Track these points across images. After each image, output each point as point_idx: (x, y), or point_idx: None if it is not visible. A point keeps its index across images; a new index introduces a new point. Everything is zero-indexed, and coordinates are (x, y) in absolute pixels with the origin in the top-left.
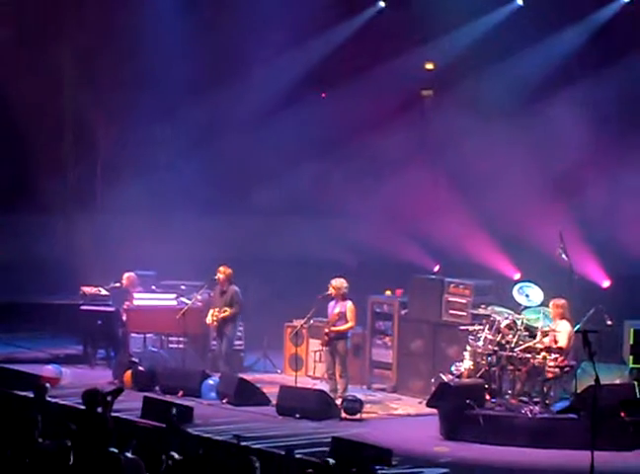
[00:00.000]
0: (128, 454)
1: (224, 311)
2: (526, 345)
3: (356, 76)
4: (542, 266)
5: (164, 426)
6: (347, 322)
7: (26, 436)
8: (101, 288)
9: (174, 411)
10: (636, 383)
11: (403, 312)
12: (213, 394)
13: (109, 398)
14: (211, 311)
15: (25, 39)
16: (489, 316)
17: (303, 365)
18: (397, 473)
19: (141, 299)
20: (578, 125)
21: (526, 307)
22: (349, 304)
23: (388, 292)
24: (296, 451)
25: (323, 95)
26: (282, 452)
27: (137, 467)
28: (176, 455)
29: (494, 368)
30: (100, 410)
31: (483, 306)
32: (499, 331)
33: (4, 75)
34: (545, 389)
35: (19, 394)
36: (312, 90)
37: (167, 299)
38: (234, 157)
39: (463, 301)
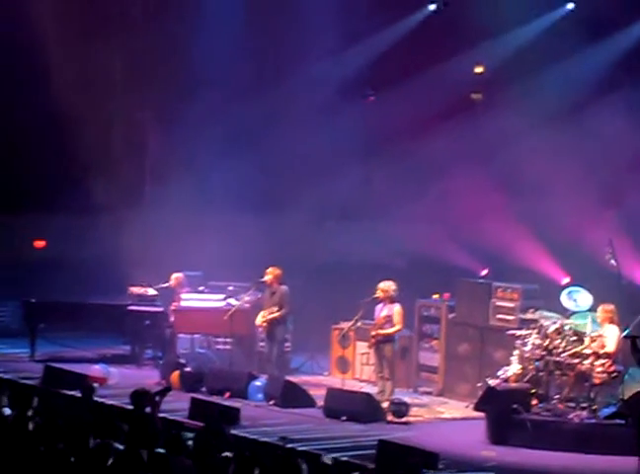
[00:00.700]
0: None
1: (274, 312)
2: (574, 350)
3: (405, 79)
4: (591, 271)
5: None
6: (394, 325)
7: (78, 436)
8: (149, 289)
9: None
10: None
11: (450, 316)
12: (260, 396)
13: (157, 398)
14: (261, 313)
15: (73, 42)
16: (537, 321)
17: (350, 368)
18: None
19: (189, 300)
20: (629, 130)
21: (575, 312)
22: (396, 307)
23: (436, 296)
24: (343, 454)
25: (371, 98)
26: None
27: (186, 468)
28: (229, 455)
29: (541, 373)
30: (148, 410)
31: (531, 311)
32: (547, 336)
33: (54, 77)
34: (592, 395)
35: (67, 393)
36: (361, 92)
37: (215, 300)
38: (282, 159)
39: (511, 305)
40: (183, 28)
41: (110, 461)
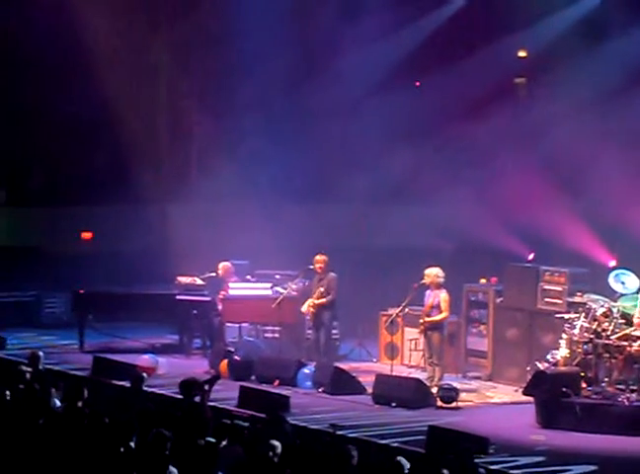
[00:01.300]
0: (227, 444)
1: (321, 298)
2: (623, 332)
3: (449, 65)
4: (638, 253)
5: (262, 415)
6: (441, 312)
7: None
8: (196, 278)
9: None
10: None
11: (498, 300)
12: (309, 383)
13: (206, 387)
14: (309, 300)
15: (119, 30)
16: (585, 304)
17: (399, 354)
18: (494, 461)
19: (236, 289)
20: None
21: (623, 295)
22: (442, 294)
23: (483, 280)
24: (393, 440)
25: (417, 83)
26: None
27: (236, 456)
28: (277, 444)
29: (590, 356)
30: (198, 399)
31: (579, 294)
32: (595, 319)
33: (100, 67)
34: None
35: (116, 384)
36: (405, 78)
37: (262, 289)
38: (328, 145)
39: (559, 289)
40: (227, 16)
41: (166, 450)
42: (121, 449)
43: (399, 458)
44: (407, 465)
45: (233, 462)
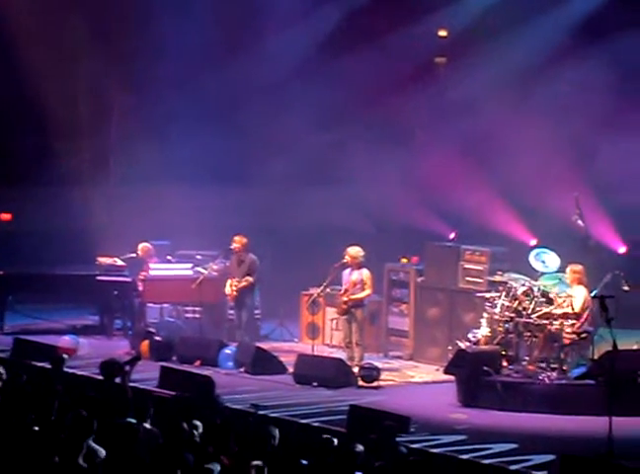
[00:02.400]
0: (146, 425)
1: (244, 281)
2: (543, 311)
3: (369, 43)
4: (558, 232)
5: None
6: (364, 290)
7: (46, 408)
8: (117, 259)
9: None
10: None
11: (419, 280)
12: (231, 363)
13: (127, 367)
14: (229, 281)
15: (39, 7)
16: (505, 283)
17: (320, 334)
18: (415, 440)
19: (157, 269)
20: (593, 89)
21: (543, 273)
22: (365, 272)
23: (404, 260)
24: (314, 419)
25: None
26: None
27: (154, 437)
28: (199, 424)
29: (511, 335)
30: (118, 380)
31: (499, 273)
32: (515, 298)
33: (19, 44)
34: (562, 355)
35: (37, 365)
36: (328, 57)
37: (183, 269)
38: (249, 126)
39: (480, 268)
40: None
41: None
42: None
43: (271, 427)
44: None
45: (152, 443)
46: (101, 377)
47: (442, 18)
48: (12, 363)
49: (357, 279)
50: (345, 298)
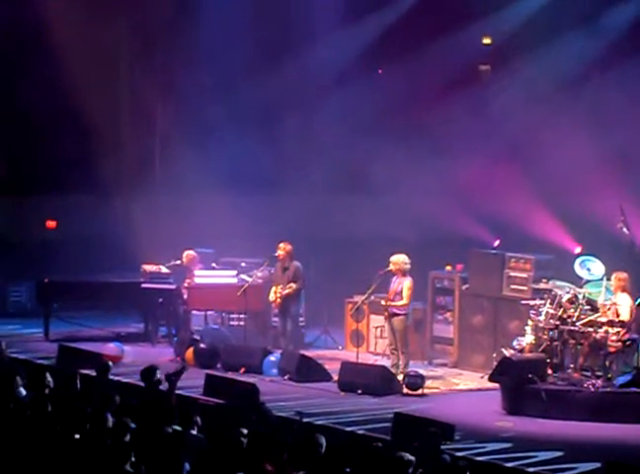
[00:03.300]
0: (193, 432)
1: (288, 288)
2: (588, 318)
3: (413, 52)
4: (603, 239)
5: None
6: (402, 299)
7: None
8: (161, 266)
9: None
10: None
11: (464, 287)
12: (275, 371)
13: (172, 378)
14: (274, 288)
15: (82, 16)
16: (550, 290)
17: (364, 341)
18: (460, 448)
19: (202, 277)
20: (634, 98)
21: (588, 281)
22: (406, 281)
23: (448, 267)
24: (359, 427)
25: (380, 71)
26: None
27: (200, 445)
28: (245, 432)
29: (556, 343)
30: (164, 388)
31: (544, 280)
32: (560, 305)
33: (62, 52)
34: (607, 363)
35: (82, 372)
36: (369, 66)
37: (227, 276)
38: (292, 134)
39: (524, 276)
40: (191, 3)
41: (126, 438)
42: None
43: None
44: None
45: (197, 450)
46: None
47: (487, 25)
48: (58, 371)
49: (397, 288)
50: (384, 303)
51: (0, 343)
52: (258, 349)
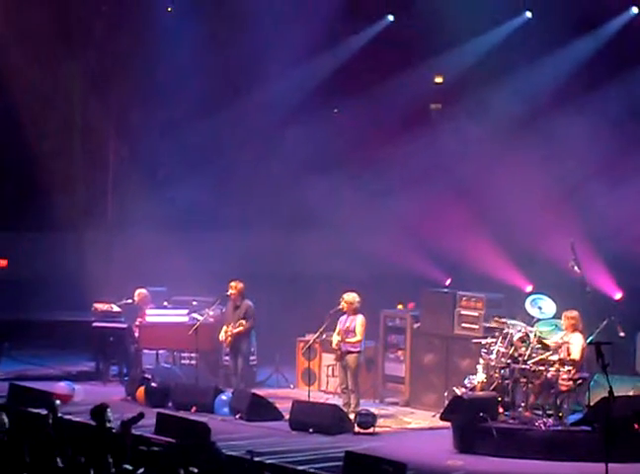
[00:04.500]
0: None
1: (239, 326)
2: (539, 357)
3: (365, 90)
4: (554, 278)
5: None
6: (355, 336)
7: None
8: (113, 305)
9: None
10: None
11: (415, 326)
12: (226, 409)
13: (129, 424)
14: (225, 327)
15: (35, 57)
16: (502, 329)
17: (316, 380)
18: None
19: (153, 316)
20: (588, 137)
21: (539, 320)
22: (359, 318)
23: (400, 306)
24: (310, 466)
25: (335, 110)
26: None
27: None
28: (195, 470)
29: (507, 381)
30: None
31: (495, 319)
32: (512, 344)
33: (14, 91)
34: (559, 402)
35: (32, 411)
36: (322, 105)
37: (179, 315)
38: (243, 173)
39: (475, 314)
40: (144, 42)
41: None
42: None
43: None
44: None
45: None
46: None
47: (439, 64)
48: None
49: (350, 326)
50: (336, 342)
51: None
52: (209, 388)
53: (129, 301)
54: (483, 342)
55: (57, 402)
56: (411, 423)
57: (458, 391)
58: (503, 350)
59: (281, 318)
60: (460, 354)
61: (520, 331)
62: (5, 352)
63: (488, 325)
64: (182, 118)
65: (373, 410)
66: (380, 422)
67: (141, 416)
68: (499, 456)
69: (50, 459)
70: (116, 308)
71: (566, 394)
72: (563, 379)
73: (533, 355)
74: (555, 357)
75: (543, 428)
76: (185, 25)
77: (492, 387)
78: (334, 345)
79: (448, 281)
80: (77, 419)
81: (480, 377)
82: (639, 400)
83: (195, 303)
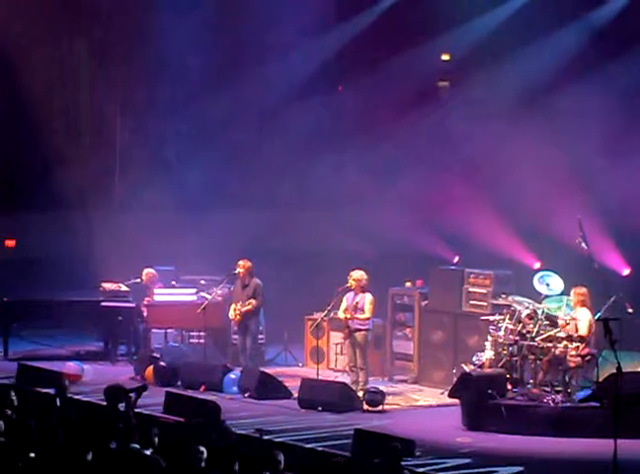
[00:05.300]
0: (147, 452)
1: (248, 304)
2: (547, 334)
3: (372, 68)
4: (562, 255)
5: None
6: (364, 313)
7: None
8: (121, 284)
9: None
10: None
11: (423, 303)
12: (235, 388)
13: (132, 395)
14: (233, 306)
15: (40, 34)
16: (510, 306)
17: (325, 358)
18: (420, 464)
19: (161, 295)
20: (595, 113)
21: (547, 296)
22: (368, 296)
23: (408, 284)
24: (319, 444)
25: (339, 88)
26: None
27: (156, 464)
28: (203, 449)
29: (515, 358)
30: (122, 407)
31: (504, 296)
32: (520, 320)
33: (20, 70)
34: (567, 378)
35: (41, 391)
36: (328, 83)
37: (187, 294)
38: (251, 151)
39: (484, 291)
40: (148, 20)
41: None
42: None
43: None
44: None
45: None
46: (104, 403)
47: (446, 42)
48: (17, 389)
49: (359, 303)
50: (344, 318)
51: None
52: (218, 366)
53: (137, 281)
54: (491, 319)
55: (66, 382)
56: (419, 400)
57: (467, 368)
58: (511, 326)
59: (290, 296)
60: (468, 331)
61: (527, 308)
62: (14, 332)
63: (496, 302)
64: (189, 97)
65: (382, 388)
66: (389, 399)
67: (144, 388)
68: (507, 433)
69: (57, 439)
70: (124, 288)
71: (574, 370)
72: (571, 356)
73: (541, 331)
74: (563, 334)
75: (552, 404)
76: (191, 2)
77: (500, 364)
78: (342, 318)
79: (457, 259)
80: (86, 398)
81: (488, 354)
82: None
83: (203, 282)
